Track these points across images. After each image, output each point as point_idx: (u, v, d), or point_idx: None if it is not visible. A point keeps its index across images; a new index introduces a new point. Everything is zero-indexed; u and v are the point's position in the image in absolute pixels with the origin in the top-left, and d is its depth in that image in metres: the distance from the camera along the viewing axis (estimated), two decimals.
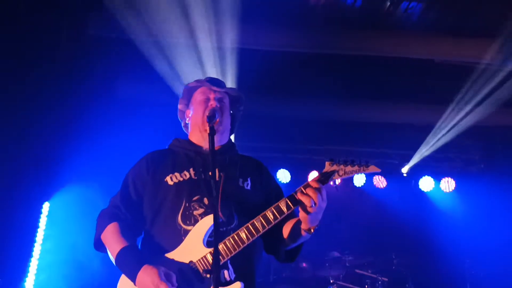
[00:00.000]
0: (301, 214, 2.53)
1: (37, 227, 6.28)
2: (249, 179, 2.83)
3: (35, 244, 6.20)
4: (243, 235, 2.48)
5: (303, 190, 2.49)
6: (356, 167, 2.58)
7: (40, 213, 6.36)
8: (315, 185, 2.49)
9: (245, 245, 2.48)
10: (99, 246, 2.75)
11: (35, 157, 6.20)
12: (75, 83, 6.42)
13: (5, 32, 5.59)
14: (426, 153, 8.18)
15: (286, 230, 2.69)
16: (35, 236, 6.23)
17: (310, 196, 2.46)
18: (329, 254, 7.22)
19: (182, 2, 5.67)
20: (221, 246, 2.46)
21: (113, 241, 2.62)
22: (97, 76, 6.67)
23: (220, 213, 2.54)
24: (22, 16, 5.66)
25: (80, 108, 6.45)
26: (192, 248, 2.50)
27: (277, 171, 8.20)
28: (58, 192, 6.55)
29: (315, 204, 2.45)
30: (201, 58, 6.18)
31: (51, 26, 6.02)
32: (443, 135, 7.80)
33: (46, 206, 6.45)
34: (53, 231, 6.41)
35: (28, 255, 6.11)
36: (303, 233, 2.57)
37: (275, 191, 2.90)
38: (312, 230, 2.54)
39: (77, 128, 6.48)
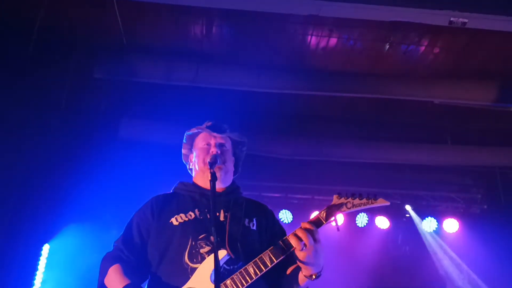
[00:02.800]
0: (298, 259, 2.47)
1: (36, 269, 6.19)
2: (254, 220, 2.83)
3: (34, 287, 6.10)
4: (250, 270, 2.46)
5: (295, 233, 2.46)
6: (364, 200, 2.57)
7: (40, 255, 6.28)
8: (306, 226, 2.46)
9: (253, 280, 2.45)
10: None
11: (35, 199, 6.17)
12: (77, 124, 6.47)
13: (11, 75, 5.68)
14: None
15: (289, 273, 2.64)
16: (34, 279, 6.13)
17: (300, 238, 2.42)
18: None
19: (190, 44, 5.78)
20: (229, 281, 2.46)
21: (116, 281, 2.58)
22: (99, 117, 6.72)
23: (229, 250, 2.54)
24: (28, 61, 5.76)
25: (80, 149, 6.47)
26: (199, 286, 2.48)
27: (279, 211, 8.14)
28: (58, 234, 6.50)
29: (305, 245, 2.41)
30: (205, 100, 6.25)
31: (57, 70, 6.12)
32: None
33: (46, 248, 6.37)
34: (53, 274, 6.31)
35: None
36: (304, 278, 2.53)
37: (280, 234, 2.86)
38: (314, 277, 2.49)
39: (78, 170, 6.47)
